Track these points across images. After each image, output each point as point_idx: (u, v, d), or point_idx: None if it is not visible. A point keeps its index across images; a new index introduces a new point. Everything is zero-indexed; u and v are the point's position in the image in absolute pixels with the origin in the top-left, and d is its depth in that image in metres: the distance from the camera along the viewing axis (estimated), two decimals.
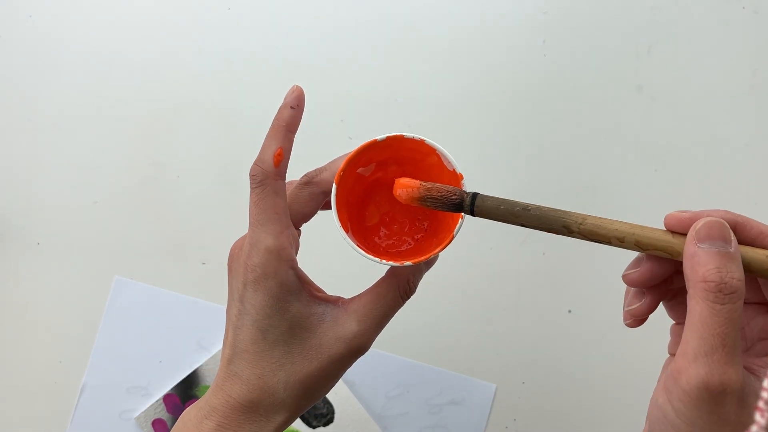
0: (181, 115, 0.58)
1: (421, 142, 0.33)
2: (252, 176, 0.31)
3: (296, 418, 0.34)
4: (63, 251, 0.57)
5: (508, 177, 0.58)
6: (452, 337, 0.56)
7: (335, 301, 0.33)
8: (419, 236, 0.36)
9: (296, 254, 0.33)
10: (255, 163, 0.31)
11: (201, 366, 0.55)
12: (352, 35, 0.58)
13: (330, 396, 0.55)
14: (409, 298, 0.34)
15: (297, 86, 0.33)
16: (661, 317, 0.57)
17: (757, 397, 0.23)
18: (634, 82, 0.59)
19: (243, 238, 0.33)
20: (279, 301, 0.31)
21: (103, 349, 0.55)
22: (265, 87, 0.58)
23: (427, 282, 0.55)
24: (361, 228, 0.36)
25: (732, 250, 0.26)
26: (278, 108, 0.33)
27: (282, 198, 0.31)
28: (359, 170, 0.35)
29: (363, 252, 0.31)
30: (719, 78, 0.59)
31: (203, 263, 0.57)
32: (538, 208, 0.32)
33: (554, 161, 0.58)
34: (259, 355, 0.31)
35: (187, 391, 0.55)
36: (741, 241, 0.27)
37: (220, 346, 0.55)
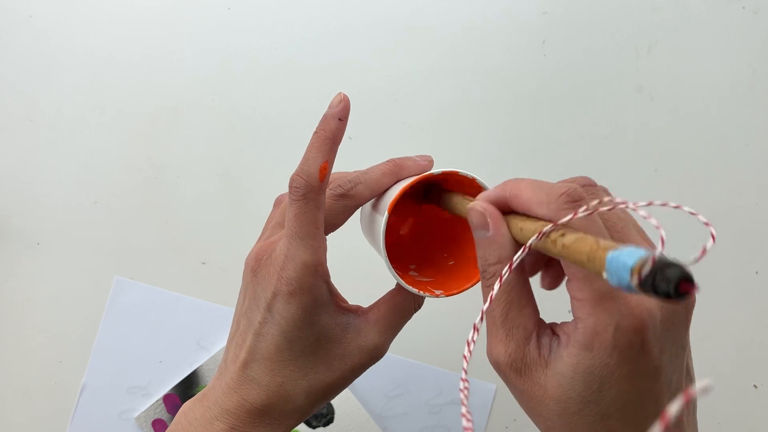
0: (181, 115, 0.58)
1: (473, 180, 0.32)
2: (294, 188, 0.30)
3: (305, 419, 0.34)
4: (63, 251, 0.57)
5: (508, 177, 0.58)
6: (452, 337, 0.56)
7: (356, 311, 0.33)
8: (449, 262, 0.36)
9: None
10: (298, 175, 0.30)
11: (201, 366, 0.55)
12: (352, 35, 0.58)
13: None
14: (420, 307, 0.34)
15: (344, 95, 0.32)
16: None
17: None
18: (634, 82, 0.59)
19: (268, 243, 0.32)
20: (310, 314, 0.30)
21: (103, 349, 0.55)
22: (266, 87, 0.58)
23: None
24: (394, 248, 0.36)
25: (490, 234, 0.27)
26: (323, 116, 0.31)
27: (323, 213, 0.30)
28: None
29: (408, 286, 0.32)
30: (719, 78, 0.59)
31: (203, 263, 0.57)
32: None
33: (554, 161, 0.58)
34: (282, 363, 0.31)
35: (186, 391, 0.55)
36: (518, 211, 0.27)
37: (219, 346, 0.55)
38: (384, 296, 0.33)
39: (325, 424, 0.55)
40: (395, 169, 0.33)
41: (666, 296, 0.17)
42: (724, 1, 0.60)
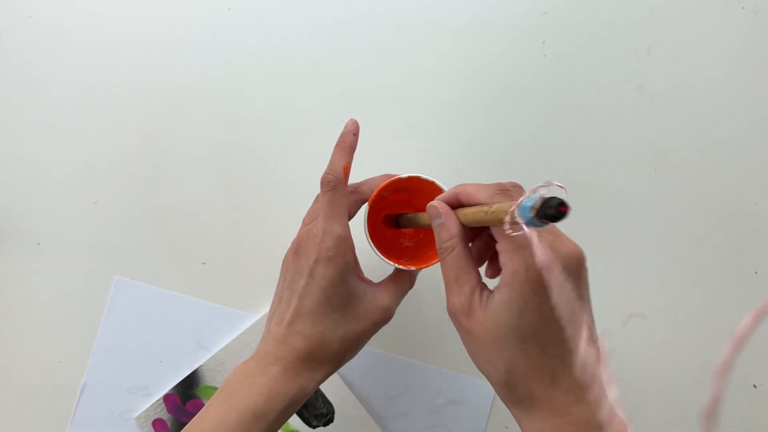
0: (182, 115, 0.58)
1: (432, 183, 0.44)
2: (326, 182, 0.40)
3: (340, 368, 0.42)
4: (63, 251, 0.57)
5: (508, 177, 0.58)
6: (452, 337, 0.56)
7: (371, 282, 0.43)
8: (412, 245, 0.50)
9: None
10: (328, 173, 0.40)
11: (201, 366, 0.55)
12: (352, 35, 0.58)
13: (330, 396, 0.55)
14: (413, 285, 0.45)
15: (354, 120, 0.43)
16: (660, 320, 0.58)
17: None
18: (634, 82, 0.59)
19: (306, 230, 0.42)
20: (343, 275, 0.40)
21: (103, 349, 0.55)
22: (266, 87, 0.58)
23: (428, 283, 0.56)
24: (379, 236, 0.48)
25: (442, 220, 0.36)
26: (342, 133, 0.42)
27: (346, 200, 0.41)
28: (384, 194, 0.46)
29: (382, 257, 0.43)
30: (719, 78, 0.59)
31: (203, 263, 0.57)
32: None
33: (554, 161, 0.58)
34: (322, 316, 0.40)
35: (187, 391, 0.55)
36: (465, 204, 0.36)
37: (220, 345, 0.56)
38: (389, 275, 0.45)
39: (325, 424, 0.55)
40: (384, 175, 0.45)
41: (553, 218, 0.26)
42: (723, 1, 0.60)
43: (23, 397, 0.56)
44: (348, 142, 0.42)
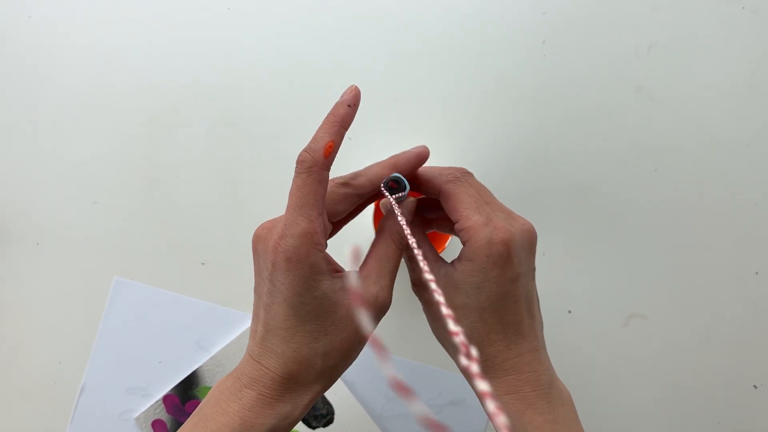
0: (181, 115, 0.58)
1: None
2: (300, 161, 0.33)
3: (333, 384, 0.36)
4: (63, 251, 0.57)
5: (508, 176, 0.58)
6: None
7: (350, 275, 0.36)
8: None
9: (326, 241, 0.36)
10: (305, 150, 0.33)
11: (201, 367, 0.55)
12: (352, 35, 0.58)
13: (330, 396, 0.55)
14: (404, 244, 0.37)
15: (355, 86, 0.35)
16: (660, 320, 0.58)
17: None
18: (634, 82, 0.59)
19: (271, 221, 0.35)
20: (308, 281, 0.32)
21: (102, 350, 0.55)
22: (265, 87, 0.58)
23: None
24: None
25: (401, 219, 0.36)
26: (335, 103, 0.34)
27: (324, 188, 0.33)
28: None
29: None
30: (719, 78, 0.59)
31: (203, 263, 0.57)
32: None
33: (554, 161, 0.58)
34: (292, 330, 0.33)
35: (186, 392, 0.55)
36: (422, 181, 0.39)
37: (219, 346, 0.56)
38: (368, 251, 0.37)
39: (325, 425, 0.55)
40: (391, 160, 0.38)
41: (390, 191, 0.35)
42: (723, 1, 0.60)
43: (23, 398, 0.56)
44: (339, 115, 0.34)
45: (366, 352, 0.55)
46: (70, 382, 0.56)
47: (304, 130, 0.58)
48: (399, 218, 0.32)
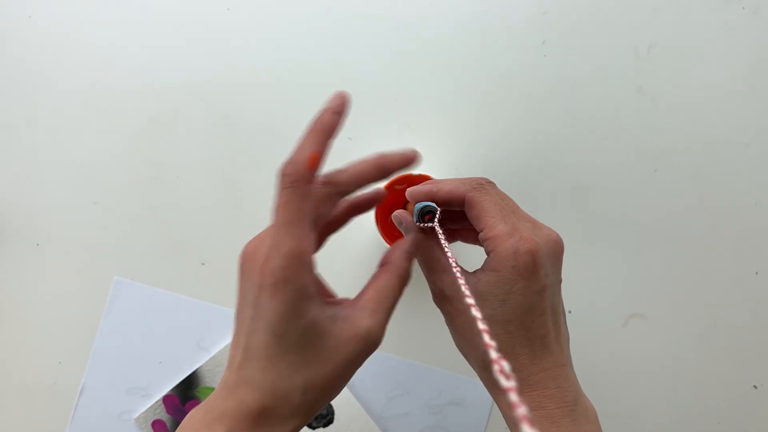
0: (181, 115, 0.58)
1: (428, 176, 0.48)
2: (283, 175, 0.31)
3: (309, 420, 0.33)
4: (63, 252, 0.57)
5: (507, 177, 0.58)
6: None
7: (343, 302, 0.33)
8: None
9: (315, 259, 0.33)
10: (288, 162, 0.31)
11: (201, 367, 0.55)
12: (352, 35, 0.58)
13: None
14: (407, 283, 0.35)
15: (344, 92, 0.33)
16: (660, 320, 0.58)
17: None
18: (634, 82, 0.59)
19: (258, 237, 0.33)
20: (296, 306, 0.29)
21: (102, 350, 0.55)
22: (265, 87, 0.58)
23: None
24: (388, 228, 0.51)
25: (404, 225, 0.39)
26: (320, 110, 0.32)
27: (310, 202, 0.31)
28: (396, 187, 0.49)
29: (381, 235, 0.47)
30: (719, 78, 0.59)
31: (203, 264, 0.57)
32: None
33: (554, 161, 0.58)
34: (272, 360, 0.30)
35: (186, 392, 0.55)
36: (439, 199, 0.38)
37: (219, 346, 0.55)
38: (368, 281, 0.34)
39: (325, 425, 0.55)
40: (377, 159, 0.35)
41: (422, 221, 0.36)
42: (723, 2, 0.60)
43: (23, 398, 0.56)
44: (324, 123, 0.32)
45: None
46: (70, 382, 0.56)
47: (303, 130, 0.58)
48: (444, 245, 0.33)
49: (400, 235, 0.47)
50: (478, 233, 0.35)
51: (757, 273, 0.59)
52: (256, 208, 0.57)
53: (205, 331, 0.56)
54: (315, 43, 0.58)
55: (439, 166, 0.58)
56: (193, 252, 0.57)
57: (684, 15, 0.60)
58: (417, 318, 0.57)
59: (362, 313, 0.32)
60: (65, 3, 0.57)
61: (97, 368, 0.55)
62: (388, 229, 0.50)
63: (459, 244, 0.43)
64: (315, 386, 0.31)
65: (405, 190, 0.47)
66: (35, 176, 0.57)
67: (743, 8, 0.60)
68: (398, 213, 0.40)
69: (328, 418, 0.55)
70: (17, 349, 0.57)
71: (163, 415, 0.55)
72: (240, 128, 0.58)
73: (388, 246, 0.46)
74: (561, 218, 0.58)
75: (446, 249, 0.34)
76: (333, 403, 0.55)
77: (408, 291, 0.60)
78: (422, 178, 0.47)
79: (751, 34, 0.60)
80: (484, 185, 0.36)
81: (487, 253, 0.34)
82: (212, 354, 0.55)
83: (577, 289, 0.58)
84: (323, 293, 0.34)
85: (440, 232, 0.34)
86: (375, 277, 0.34)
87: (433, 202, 0.37)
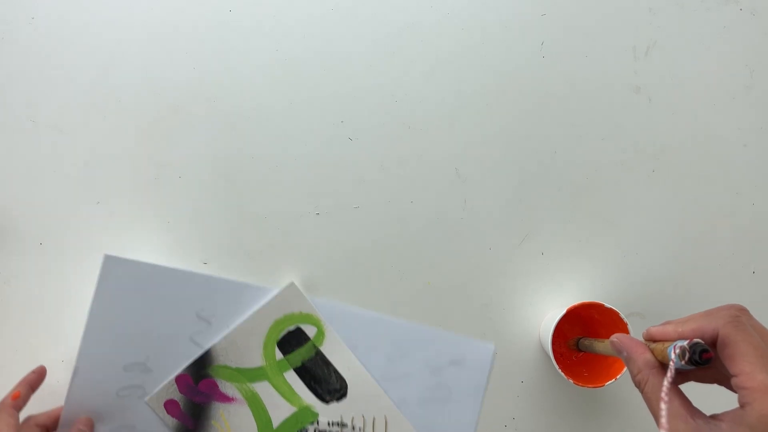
0: (183, 115, 0.58)
1: (617, 313, 0.51)
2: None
3: None
4: (65, 251, 0.57)
5: (507, 177, 0.58)
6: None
7: None
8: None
9: None
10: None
11: (214, 345, 0.55)
12: (352, 36, 0.58)
13: (342, 371, 0.55)
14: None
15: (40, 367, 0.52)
16: (660, 320, 0.58)
17: None
18: (632, 83, 0.59)
19: None
20: None
21: (94, 330, 0.54)
22: (266, 88, 0.58)
23: (427, 280, 0.56)
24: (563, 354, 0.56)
25: (624, 354, 0.36)
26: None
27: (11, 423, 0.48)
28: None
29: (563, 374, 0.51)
30: (717, 79, 0.60)
31: (204, 263, 0.57)
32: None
33: (553, 162, 0.59)
34: None
35: (200, 371, 0.55)
36: (657, 339, 0.36)
37: (220, 316, 0.55)
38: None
39: (339, 399, 0.55)
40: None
41: (697, 363, 0.31)
42: (721, 3, 0.60)
43: None
44: (27, 379, 0.51)
45: (366, 317, 0.56)
46: None
47: (304, 130, 0.58)
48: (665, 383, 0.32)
49: (568, 355, 0.55)
50: (731, 376, 0.31)
51: (754, 272, 0.59)
52: (259, 207, 0.58)
53: (202, 300, 0.55)
54: (316, 44, 0.58)
55: (439, 166, 0.58)
56: (195, 251, 0.57)
57: (682, 16, 0.60)
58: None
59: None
60: (67, 5, 0.58)
61: (90, 349, 0.54)
62: (558, 348, 0.55)
63: None
64: None
65: (580, 314, 0.55)
66: (38, 176, 0.57)
67: (741, 9, 0.60)
68: (623, 340, 0.37)
69: (341, 392, 0.55)
70: (18, 349, 0.57)
71: (176, 395, 0.54)
72: (241, 128, 0.58)
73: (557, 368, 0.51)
74: (560, 218, 0.58)
75: (664, 396, 0.31)
76: (346, 377, 0.55)
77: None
78: (594, 307, 0.51)
79: (748, 35, 0.60)
80: (740, 318, 0.33)
81: (741, 404, 0.30)
82: (213, 324, 0.54)
83: (577, 289, 0.58)
84: None
85: (668, 378, 0.32)
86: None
87: (674, 341, 0.34)
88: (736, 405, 0.31)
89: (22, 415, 0.50)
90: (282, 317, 0.55)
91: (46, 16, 0.57)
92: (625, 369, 0.50)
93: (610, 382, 0.51)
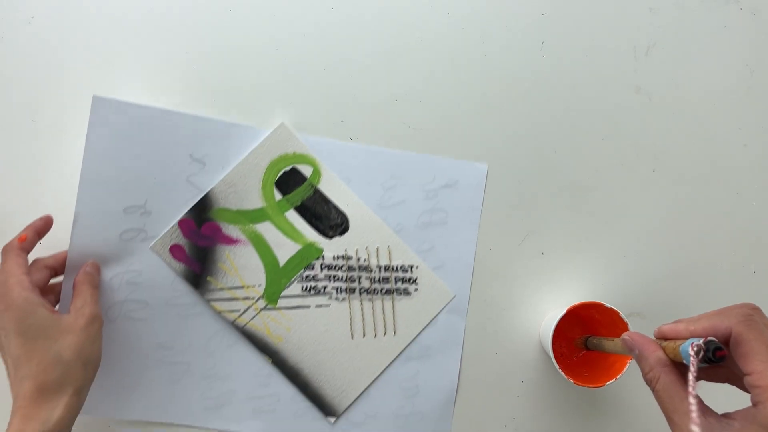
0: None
1: (617, 313, 0.51)
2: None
3: (85, 392, 0.46)
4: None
5: (507, 177, 0.58)
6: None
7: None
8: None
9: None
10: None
11: (213, 188, 0.55)
12: (352, 36, 0.58)
13: (342, 206, 0.56)
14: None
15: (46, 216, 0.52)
16: (660, 320, 0.58)
17: None
18: (633, 83, 0.59)
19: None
20: (26, 311, 0.45)
21: (90, 176, 0.53)
22: (267, 88, 0.58)
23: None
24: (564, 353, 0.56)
25: (636, 352, 0.37)
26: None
27: (19, 262, 0.48)
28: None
29: (562, 373, 0.51)
30: (717, 79, 0.60)
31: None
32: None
33: (553, 162, 0.59)
34: (26, 347, 0.44)
35: (201, 215, 0.55)
36: (670, 337, 0.37)
37: (212, 156, 0.55)
38: (74, 293, 0.50)
39: (341, 233, 0.56)
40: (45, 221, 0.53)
41: (711, 361, 0.31)
42: (722, 2, 0.60)
43: None
44: (33, 224, 0.51)
45: (359, 149, 0.57)
46: None
47: (305, 132, 0.58)
48: (691, 387, 0.31)
49: (568, 355, 0.55)
50: (743, 375, 0.31)
51: (754, 272, 0.59)
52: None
53: (195, 142, 0.55)
54: (315, 44, 0.58)
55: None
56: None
57: (682, 16, 0.60)
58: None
59: (76, 307, 0.48)
60: (67, 5, 0.58)
61: (87, 193, 0.53)
62: (558, 348, 0.55)
63: None
64: (67, 351, 0.45)
65: (586, 315, 0.54)
66: (37, 177, 0.57)
67: (741, 9, 0.60)
68: (634, 337, 0.37)
69: (343, 226, 0.56)
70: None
71: (180, 239, 0.55)
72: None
73: (557, 367, 0.51)
74: (560, 218, 0.58)
75: (692, 391, 0.31)
76: (346, 212, 0.56)
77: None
78: (594, 307, 0.51)
79: (749, 35, 0.60)
80: (753, 317, 0.32)
81: (754, 402, 0.30)
82: (206, 165, 0.55)
83: (577, 289, 0.58)
84: (42, 295, 0.47)
85: (693, 373, 0.31)
86: (75, 289, 0.51)
87: (685, 339, 0.34)
88: (748, 404, 0.31)
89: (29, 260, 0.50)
90: (277, 158, 0.56)
91: (46, 16, 0.57)
92: (625, 369, 0.50)
93: (610, 382, 0.51)
